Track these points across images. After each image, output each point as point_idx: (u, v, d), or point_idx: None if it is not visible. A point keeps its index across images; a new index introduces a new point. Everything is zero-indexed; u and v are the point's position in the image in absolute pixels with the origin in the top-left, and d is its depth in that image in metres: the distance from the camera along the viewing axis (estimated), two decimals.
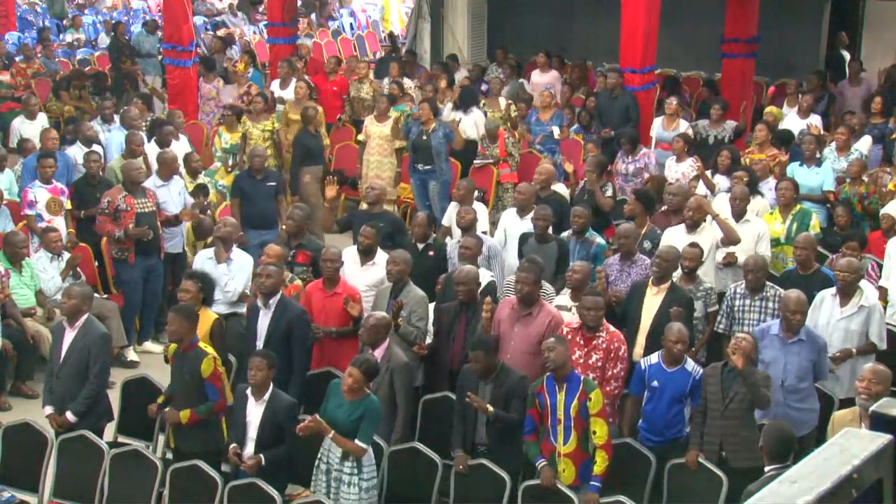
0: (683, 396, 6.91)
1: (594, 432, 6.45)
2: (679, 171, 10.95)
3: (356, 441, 6.42)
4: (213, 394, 6.88)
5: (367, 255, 8.38)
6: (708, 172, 10.63)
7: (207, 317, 7.52)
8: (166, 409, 6.99)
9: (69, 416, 7.19)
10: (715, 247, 8.72)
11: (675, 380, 6.89)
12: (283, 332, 7.45)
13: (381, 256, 8.40)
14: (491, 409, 6.71)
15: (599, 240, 8.90)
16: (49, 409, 7.30)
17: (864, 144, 11.50)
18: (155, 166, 10.73)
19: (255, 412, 6.65)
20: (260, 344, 7.44)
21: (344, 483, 6.45)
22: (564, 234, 9.03)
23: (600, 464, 6.47)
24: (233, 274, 8.75)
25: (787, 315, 7.20)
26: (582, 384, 6.48)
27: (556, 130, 13.05)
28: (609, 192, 10.40)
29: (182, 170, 11.09)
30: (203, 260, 8.90)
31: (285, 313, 7.49)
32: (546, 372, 6.63)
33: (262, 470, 6.54)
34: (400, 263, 7.85)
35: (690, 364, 6.97)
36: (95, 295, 9.63)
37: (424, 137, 11.91)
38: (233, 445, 6.66)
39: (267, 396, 6.63)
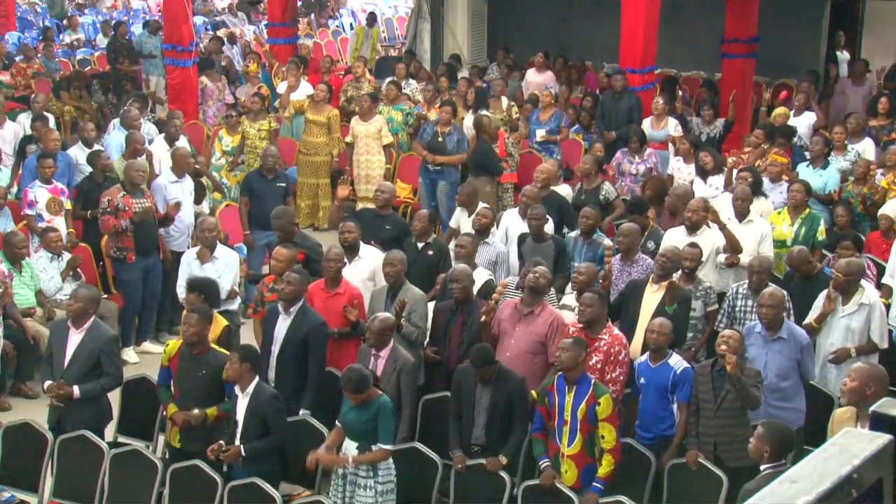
0: (667, 391, 6.91)
1: (602, 437, 6.41)
2: (690, 172, 10.92)
3: (378, 445, 6.44)
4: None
5: (351, 250, 8.37)
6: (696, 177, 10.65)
7: (218, 322, 7.56)
8: (191, 412, 6.91)
9: (76, 389, 7.10)
10: (715, 251, 8.72)
11: (658, 374, 6.91)
12: (300, 340, 7.39)
13: (366, 249, 8.44)
14: (504, 460, 6.71)
15: (607, 241, 8.88)
16: (50, 382, 7.21)
17: (867, 148, 11.45)
18: (158, 165, 10.74)
19: (241, 404, 6.69)
20: (276, 349, 7.41)
21: (359, 486, 6.45)
22: (571, 235, 9.03)
23: (605, 466, 6.43)
24: (219, 273, 8.73)
25: (758, 310, 7.24)
26: (592, 388, 6.43)
27: (539, 133, 12.98)
28: (604, 192, 10.38)
29: None
30: (189, 260, 8.90)
31: (304, 322, 7.43)
32: (556, 372, 6.63)
33: (245, 460, 6.56)
34: (396, 264, 7.83)
35: (674, 359, 6.97)
36: None
37: (440, 139, 11.94)
38: (214, 445, 6.65)
39: (250, 389, 6.65)
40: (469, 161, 11.71)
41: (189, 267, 8.81)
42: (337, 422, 6.68)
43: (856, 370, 6.14)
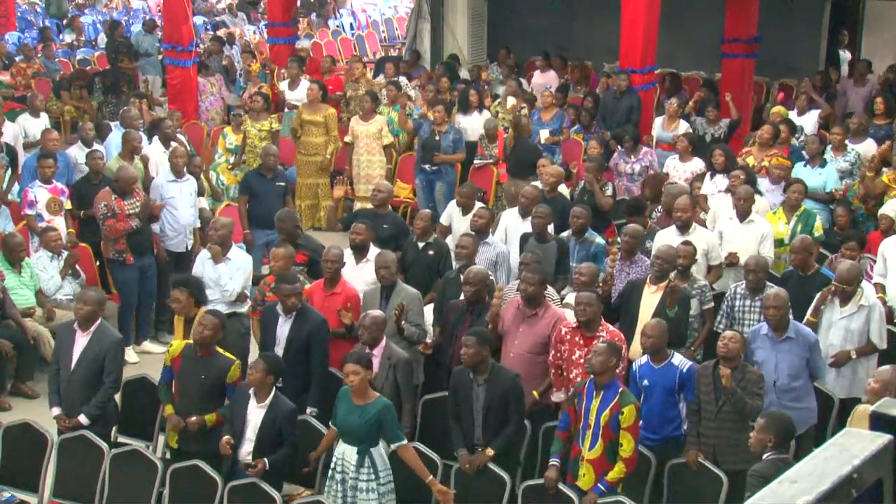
0: (674, 391, 6.91)
1: (621, 445, 6.39)
2: (686, 171, 10.92)
3: (393, 445, 6.47)
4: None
5: (360, 251, 8.37)
6: (708, 174, 10.62)
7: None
8: (190, 419, 6.89)
9: (82, 418, 7.16)
10: (704, 253, 8.70)
11: (663, 375, 6.90)
12: (303, 340, 7.41)
13: (374, 252, 8.41)
14: (491, 452, 6.72)
15: (599, 239, 8.91)
16: (57, 410, 7.27)
17: (869, 148, 11.43)
18: (154, 168, 10.71)
19: (255, 413, 6.62)
20: (280, 351, 7.39)
21: (361, 490, 6.43)
22: (564, 234, 9.03)
23: (617, 472, 6.40)
24: (231, 273, 8.72)
25: (764, 312, 7.24)
26: (619, 396, 6.39)
27: (543, 134, 12.98)
28: (609, 192, 10.39)
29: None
30: (203, 260, 8.88)
31: (306, 323, 7.44)
32: (588, 375, 6.62)
33: (265, 473, 6.52)
34: (391, 265, 7.84)
35: (678, 358, 6.97)
36: None
37: (437, 138, 12.00)
38: (227, 437, 6.61)
39: (268, 401, 6.60)
40: (511, 160, 11.71)
41: (203, 266, 8.73)
42: (331, 425, 6.68)
43: (880, 373, 6.35)
